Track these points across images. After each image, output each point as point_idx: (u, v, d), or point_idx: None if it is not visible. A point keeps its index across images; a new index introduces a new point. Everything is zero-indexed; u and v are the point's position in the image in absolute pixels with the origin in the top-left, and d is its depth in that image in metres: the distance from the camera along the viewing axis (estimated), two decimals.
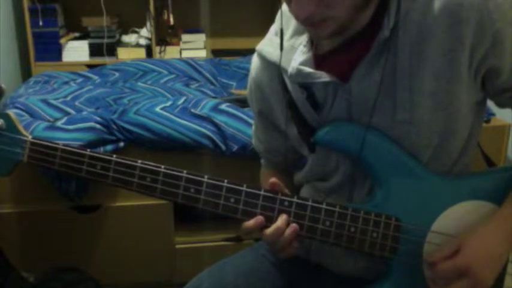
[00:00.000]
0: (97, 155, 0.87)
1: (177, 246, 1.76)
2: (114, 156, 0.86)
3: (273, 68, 0.90)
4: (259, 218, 0.83)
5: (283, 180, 0.88)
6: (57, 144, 0.88)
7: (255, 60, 0.96)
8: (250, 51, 0.97)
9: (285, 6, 0.83)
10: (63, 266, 1.69)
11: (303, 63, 0.84)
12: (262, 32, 0.94)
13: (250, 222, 0.83)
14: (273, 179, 0.85)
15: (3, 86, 0.93)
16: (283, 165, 1.05)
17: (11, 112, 0.92)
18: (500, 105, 0.89)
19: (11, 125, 0.90)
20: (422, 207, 0.84)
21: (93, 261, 1.71)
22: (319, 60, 0.85)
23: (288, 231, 0.82)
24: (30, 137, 0.90)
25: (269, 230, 0.82)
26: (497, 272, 0.80)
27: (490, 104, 0.92)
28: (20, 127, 0.90)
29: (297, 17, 0.76)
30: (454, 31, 0.77)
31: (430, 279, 0.82)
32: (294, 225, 0.83)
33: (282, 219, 0.83)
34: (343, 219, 0.83)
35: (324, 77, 0.83)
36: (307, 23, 0.76)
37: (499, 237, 0.80)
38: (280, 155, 1.03)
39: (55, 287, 1.64)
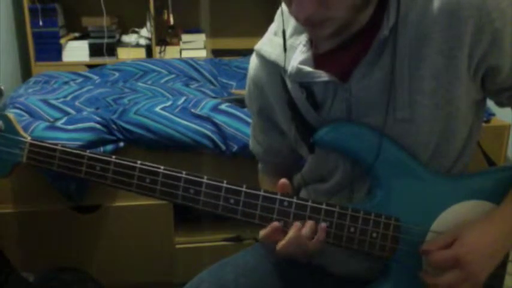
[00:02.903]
0: (96, 156, 0.87)
1: (177, 246, 1.76)
2: (113, 157, 0.86)
3: (272, 67, 0.90)
4: (275, 224, 0.82)
5: None
6: (56, 145, 0.89)
7: (253, 59, 0.96)
8: (250, 51, 0.97)
9: (284, 6, 0.83)
10: (63, 266, 1.69)
11: (302, 63, 0.84)
12: (262, 32, 0.94)
13: (268, 230, 0.82)
14: (283, 180, 0.85)
15: (2, 87, 0.93)
16: (283, 166, 1.05)
17: (10, 113, 0.92)
18: (500, 104, 0.89)
19: (9, 126, 0.90)
20: (422, 207, 0.84)
21: (93, 261, 1.71)
22: (318, 59, 0.84)
23: (320, 233, 0.82)
24: (29, 138, 0.90)
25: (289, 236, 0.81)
26: (491, 269, 0.80)
27: (490, 104, 0.92)
28: (19, 128, 0.90)
29: (297, 18, 0.76)
30: (453, 30, 0.77)
31: (423, 270, 0.82)
32: (323, 225, 0.82)
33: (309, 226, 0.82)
34: (343, 220, 0.83)
35: (323, 76, 0.83)
36: (307, 23, 0.75)
37: (496, 234, 0.81)
38: (280, 156, 1.02)
39: (55, 287, 1.64)
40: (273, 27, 0.92)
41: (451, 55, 0.78)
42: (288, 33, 0.87)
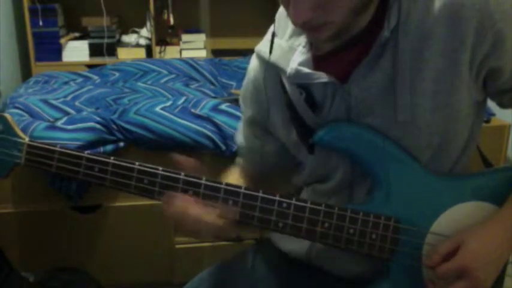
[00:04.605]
0: (95, 157, 0.86)
1: (177, 246, 1.76)
2: (112, 158, 0.86)
3: (272, 69, 0.89)
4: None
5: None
6: (55, 147, 0.88)
7: (253, 61, 0.96)
8: (250, 51, 0.97)
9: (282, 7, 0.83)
10: (63, 266, 1.70)
11: (301, 64, 0.83)
12: (262, 32, 0.94)
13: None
14: (179, 157, 0.86)
15: (0, 88, 0.93)
16: (262, 169, 1.02)
17: (8, 114, 0.91)
18: (502, 105, 0.88)
19: (8, 127, 0.89)
20: (422, 208, 0.84)
21: (93, 261, 1.72)
22: (318, 61, 0.84)
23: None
24: (27, 139, 0.89)
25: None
26: (497, 273, 0.80)
27: (490, 104, 0.91)
28: (17, 129, 0.90)
29: (294, 22, 0.75)
30: (455, 31, 0.76)
31: (427, 280, 0.82)
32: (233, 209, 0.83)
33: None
34: (342, 221, 0.83)
35: (322, 77, 0.82)
36: (305, 27, 0.75)
37: (499, 237, 0.80)
38: (261, 159, 1.00)
39: (55, 287, 1.64)
40: (273, 28, 0.92)
41: (453, 56, 0.77)
42: (288, 34, 0.87)
